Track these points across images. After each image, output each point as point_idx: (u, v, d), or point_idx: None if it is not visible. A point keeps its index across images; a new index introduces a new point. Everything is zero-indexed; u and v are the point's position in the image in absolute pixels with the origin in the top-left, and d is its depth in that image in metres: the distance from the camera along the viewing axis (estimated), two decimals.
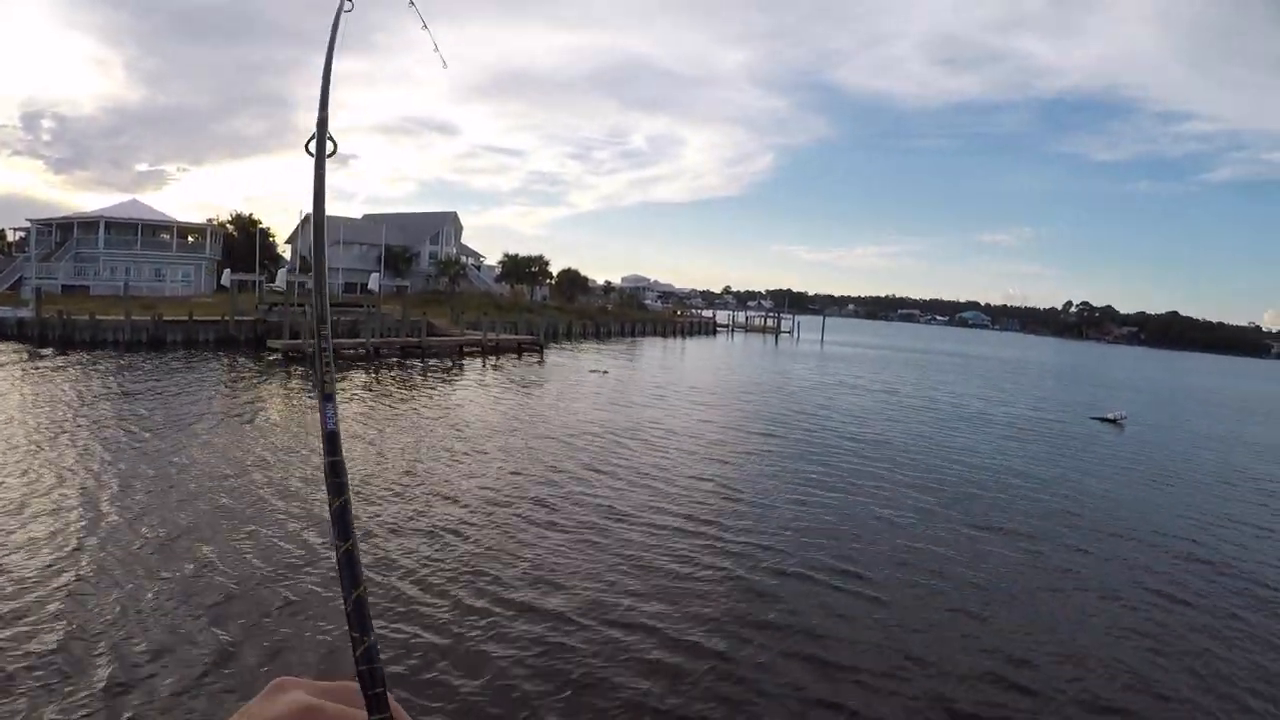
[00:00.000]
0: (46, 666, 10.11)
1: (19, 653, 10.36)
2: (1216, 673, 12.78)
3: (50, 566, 13.28)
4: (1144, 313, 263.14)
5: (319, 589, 13.12)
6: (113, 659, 10.42)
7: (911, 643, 12.99)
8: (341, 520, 1.06)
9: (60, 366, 35.31)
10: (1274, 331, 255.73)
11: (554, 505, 19.46)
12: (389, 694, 0.92)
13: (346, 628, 0.95)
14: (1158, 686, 12.09)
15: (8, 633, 10.88)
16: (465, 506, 18.72)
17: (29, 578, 12.73)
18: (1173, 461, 33.89)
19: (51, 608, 11.78)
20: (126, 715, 9.27)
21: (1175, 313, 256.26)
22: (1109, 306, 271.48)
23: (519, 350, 60.45)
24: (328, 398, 1.18)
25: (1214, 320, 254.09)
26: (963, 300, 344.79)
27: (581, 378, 48.12)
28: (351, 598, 1.02)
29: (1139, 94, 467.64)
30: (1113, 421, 43.80)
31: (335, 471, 1.10)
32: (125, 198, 73.78)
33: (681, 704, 10.58)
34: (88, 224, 65.83)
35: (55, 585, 12.53)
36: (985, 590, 15.60)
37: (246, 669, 10.47)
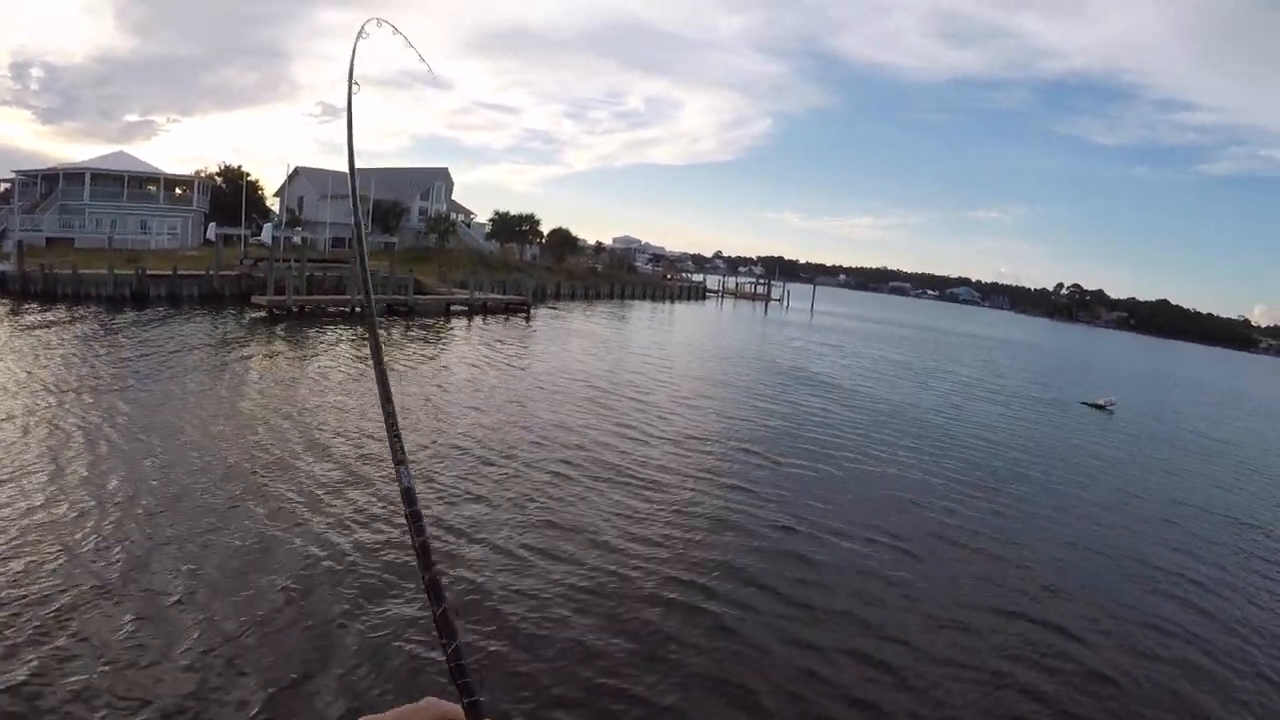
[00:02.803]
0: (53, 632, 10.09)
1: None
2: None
3: (34, 533, 13.09)
4: (1134, 299, 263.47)
5: (309, 547, 13.29)
6: (106, 625, 10.42)
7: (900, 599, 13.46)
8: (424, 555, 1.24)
9: (41, 322, 35.04)
10: (1263, 326, 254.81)
11: (553, 467, 19.56)
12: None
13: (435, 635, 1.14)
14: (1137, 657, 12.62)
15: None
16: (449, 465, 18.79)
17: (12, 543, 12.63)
18: (1159, 449, 34.60)
19: (47, 568, 11.78)
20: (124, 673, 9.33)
21: (1165, 301, 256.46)
22: (1100, 290, 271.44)
23: (506, 311, 60.31)
24: (399, 461, 1.44)
25: (1203, 311, 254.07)
26: (954, 276, 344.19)
27: (567, 341, 48.24)
28: (438, 611, 1.19)
29: (1141, 80, 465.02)
30: (1102, 407, 44.41)
31: (415, 519, 1.29)
32: (113, 149, 72.96)
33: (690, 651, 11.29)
34: (73, 175, 64.90)
35: (41, 551, 12.42)
36: (966, 560, 16.27)
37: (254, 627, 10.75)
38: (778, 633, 12.41)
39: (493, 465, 19.73)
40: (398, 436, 1.39)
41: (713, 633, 12.20)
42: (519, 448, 21.58)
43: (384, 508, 15.73)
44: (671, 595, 13.23)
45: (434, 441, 21.32)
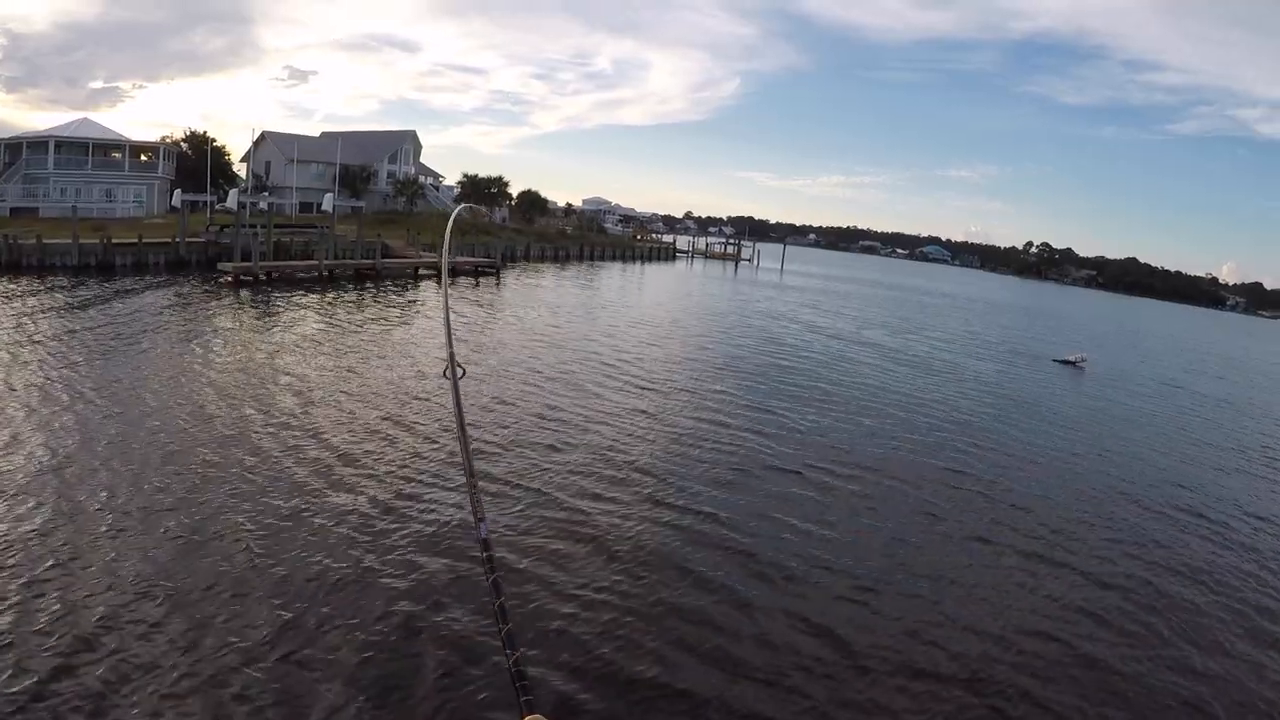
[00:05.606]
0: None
1: None
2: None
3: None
4: (1103, 257, 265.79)
5: (275, 506, 14.12)
6: (71, 602, 10.67)
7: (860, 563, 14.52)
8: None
9: (6, 292, 35.24)
10: (1231, 285, 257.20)
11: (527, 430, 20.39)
12: None
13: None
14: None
15: None
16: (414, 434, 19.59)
17: None
18: (1129, 404, 35.78)
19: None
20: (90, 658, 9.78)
21: (1134, 259, 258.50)
22: (1069, 249, 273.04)
23: (475, 274, 60.72)
24: (480, 519, 1.99)
25: (1171, 269, 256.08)
26: (924, 235, 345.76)
27: (538, 302, 48.88)
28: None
29: (1109, 41, 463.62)
30: (1073, 364, 45.51)
31: (490, 564, 1.82)
32: (78, 116, 72.29)
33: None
34: (37, 144, 64.31)
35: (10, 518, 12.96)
36: (933, 519, 17.05)
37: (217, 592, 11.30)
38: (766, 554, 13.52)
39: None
40: (476, 491, 1.95)
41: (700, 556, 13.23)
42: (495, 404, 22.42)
43: (346, 472, 16.58)
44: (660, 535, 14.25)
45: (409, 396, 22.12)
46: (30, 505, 13.30)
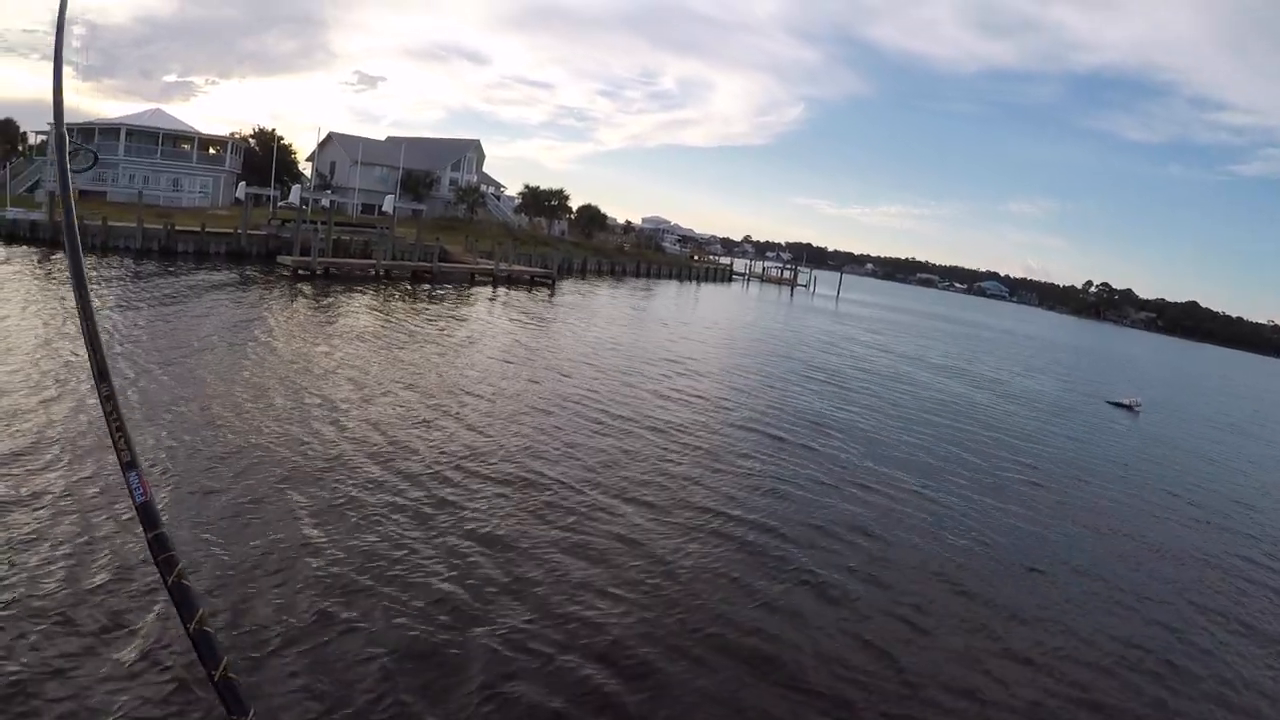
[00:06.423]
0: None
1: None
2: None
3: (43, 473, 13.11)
4: (1163, 299, 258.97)
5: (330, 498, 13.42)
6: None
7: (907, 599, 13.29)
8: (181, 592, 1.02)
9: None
10: None
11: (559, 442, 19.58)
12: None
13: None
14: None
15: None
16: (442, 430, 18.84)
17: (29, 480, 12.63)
18: (1182, 452, 33.53)
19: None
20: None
21: (1194, 303, 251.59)
22: (1129, 290, 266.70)
23: (530, 283, 60.38)
24: (129, 466, 1.13)
25: (1233, 315, 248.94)
26: (982, 269, 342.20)
27: (589, 313, 48.27)
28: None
29: (1175, 77, 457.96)
30: (1128, 407, 43.62)
31: (161, 545, 0.98)
32: (151, 107, 73.57)
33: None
34: (109, 130, 65.61)
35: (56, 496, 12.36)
36: (979, 558, 15.72)
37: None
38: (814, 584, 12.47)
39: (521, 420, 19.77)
40: (121, 430, 0.99)
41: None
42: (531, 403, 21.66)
43: (397, 470, 15.86)
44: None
45: (459, 392, 21.43)
46: (88, 469, 13.06)
